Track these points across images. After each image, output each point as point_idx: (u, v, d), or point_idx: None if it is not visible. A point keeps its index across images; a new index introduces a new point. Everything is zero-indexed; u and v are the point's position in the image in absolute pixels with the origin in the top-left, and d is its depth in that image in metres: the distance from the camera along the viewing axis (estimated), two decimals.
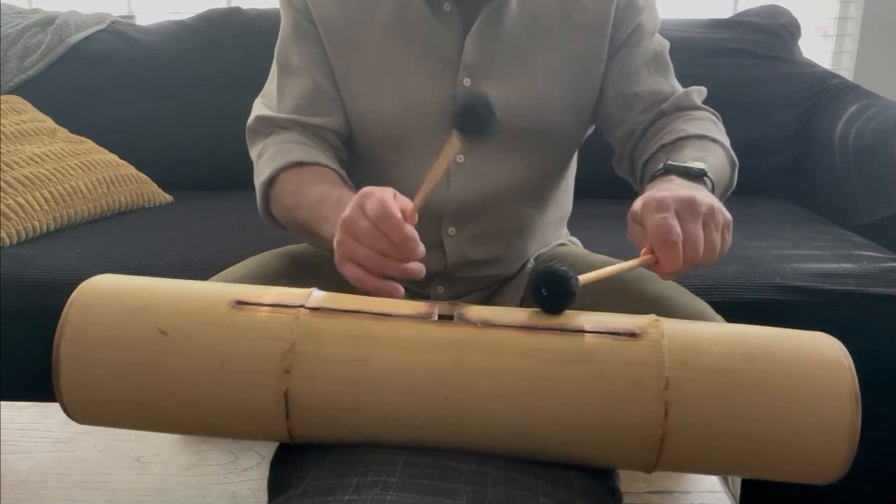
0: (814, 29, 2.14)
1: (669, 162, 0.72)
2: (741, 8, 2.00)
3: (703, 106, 0.88)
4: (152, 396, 0.51)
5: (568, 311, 0.54)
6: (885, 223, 1.36)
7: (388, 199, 0.61)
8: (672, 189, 0.64)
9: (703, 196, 0.63)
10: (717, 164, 0.77)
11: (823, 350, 0.51)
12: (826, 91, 1.70)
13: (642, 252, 0.62)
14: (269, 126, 0.87)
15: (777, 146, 1.72)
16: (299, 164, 0.82)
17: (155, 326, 0.51)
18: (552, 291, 0.52)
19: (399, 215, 0.60)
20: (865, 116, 1.52)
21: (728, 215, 0.64)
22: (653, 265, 0.61)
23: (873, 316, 1.14)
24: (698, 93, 0.88)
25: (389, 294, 0.61)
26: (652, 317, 0.53)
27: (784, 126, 1.71)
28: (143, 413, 0.52)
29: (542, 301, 0.53)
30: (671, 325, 0.52)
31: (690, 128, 0.81)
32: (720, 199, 0.80)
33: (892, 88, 1.76)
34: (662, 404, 0.48)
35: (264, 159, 0.84)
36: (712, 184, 0.72)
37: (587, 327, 0.51)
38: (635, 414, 0.49)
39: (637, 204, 0.64)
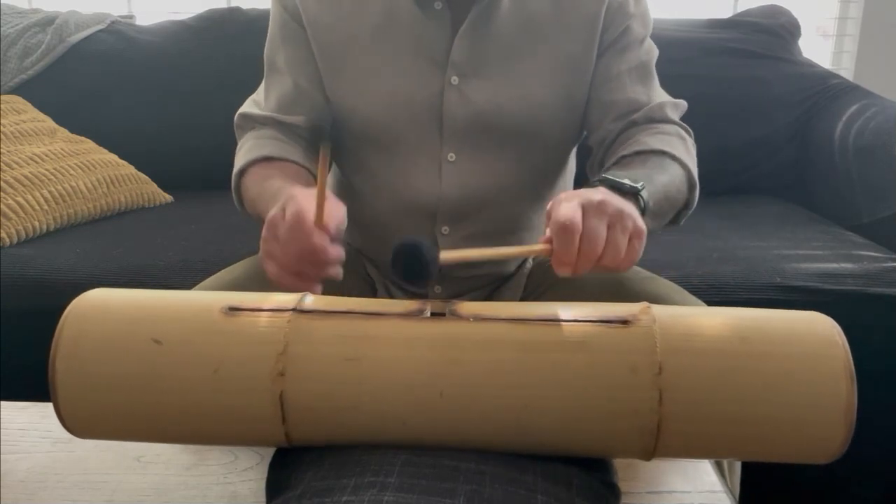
0: (814, 29, 2.14)
1: (604, 175, 0.72)
2: (741, 8, 2.00)
3: (676, 120, 0.88)
4: (149, 406, 0.51)
5: (558, 302, 0.54)
6: (885, 223, 1.36)
7: (303, 209, 0.62)
8: (587, 192, 0.64)
9: (617, 201, 0.63)
10: (667, 182, 0.77)
11: (816, 328, 0.51)
12: (826, 91, 1.70)
13: (541, 240, 0.62)
14: (249, 122, 0.90)
15: (777, 146, 1.72)
16: (268, 159, 0.84)
17: (149, 336, 0.51)
18: (411, 264, 0.53)
19: (310, 226, 0.61)
20: (865, 116, 1.52)
21: (642, 225, 0.64)
22: (548, 255, 0.60)
23: (873, 316, 1.15)
24: (673, 106, 0.88)
25: (310, 289, 0.63)
26: (644, 304, 0.53)
27: (784, 126, 1.71)
28: (141, 424, 0.52)
29: (400, 273, 0.54)
30: (663, 311, 0.52)
31: (653, 142, 0.82)
32: (675, 218, 0.82)
33: (892, 88, 1.76)
34: (657, 390, 0.48)
35: (240, 154, 0.87)
36: (644, 203, 0.71)
37: (579, 317, 0.51)
38: (630, 401, 0.49)
39: (550, 203, 0.64)
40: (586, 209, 0.60)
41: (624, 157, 0.81)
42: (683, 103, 0.89)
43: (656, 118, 0.86)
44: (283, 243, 0.63)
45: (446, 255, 0.56)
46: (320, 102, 0.89)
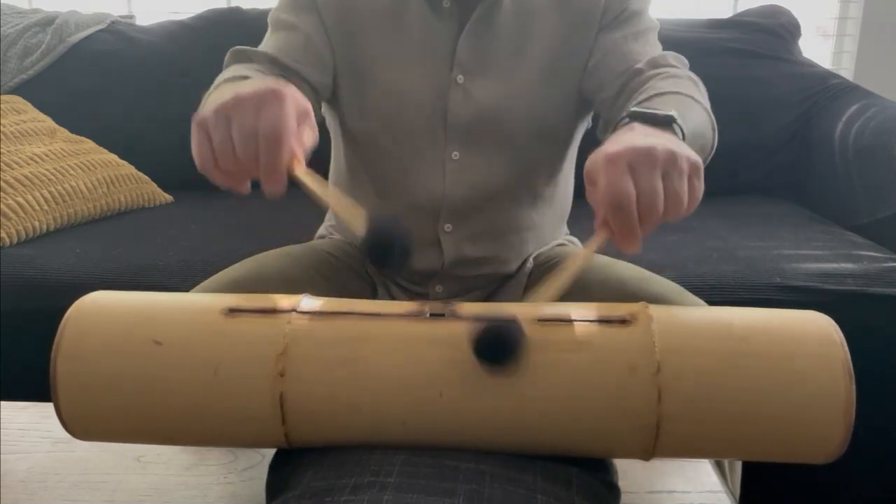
0: (814, 29, 2.14)
1: (633, 108, 0.65)
2: (741, 8, 2.00)
3: (681, 67, 0.83)
4: (150, 408, 0.51)
5: (557, 302, 0.54)
6: (885, 223, 1.36)
7: (287, 124, 0.53)
8: (628, 139, 0.56)
9: (664, 142, 0.55)
10: (694, 118, 0.70)
11: (815, 328, 0.51)
12: (826, 91, 1.70)
13: (596, 226, 0.55)
14: (241, 56, 0.83)
15: (777, 146, 1.72)
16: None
17: (149, 338, 0.51)
18: (496, 345, 0.49)
19: (288, 149, 0.53)
20: (865, 116, 1.52)
21: (696, 159, 0.56)
22: (611, 238, 0.54)
23: (873, 316, 1.15)
24: (675, 57, 0.84)
25: (235, 189, 0.56)
26: (642, 303, 0.53)
27: (784, 126, 1.71)
28: (142, 425, 0.52)
29: (487, 358, 0.49)
30: (661, 311, 0.52)
31: (667, 85, 0.77)
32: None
33: (892, 88, 1.76)
34: (656, 390, 0.49)
35: (223, 75, 0.78)
36: (682, 132, 0.64)
37: (578, 316, 0.52)
38: (629, 400, 0.49)
39: (589, 162, 0.56)
40: (634, 167, 0.53)
41: (641, 102, 0.76)
42: (684, 59, 0.84)
43: (660, 64, 0.82)
44: (240, 139, 0.53)
45: (534, 302, 0.52)
46: (327, 61, 0.84)
